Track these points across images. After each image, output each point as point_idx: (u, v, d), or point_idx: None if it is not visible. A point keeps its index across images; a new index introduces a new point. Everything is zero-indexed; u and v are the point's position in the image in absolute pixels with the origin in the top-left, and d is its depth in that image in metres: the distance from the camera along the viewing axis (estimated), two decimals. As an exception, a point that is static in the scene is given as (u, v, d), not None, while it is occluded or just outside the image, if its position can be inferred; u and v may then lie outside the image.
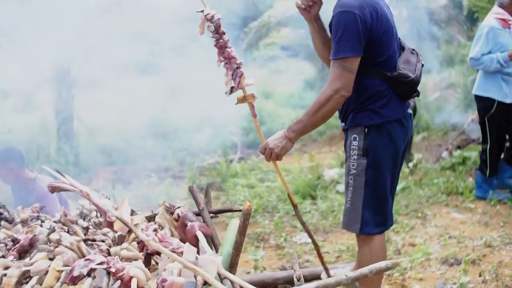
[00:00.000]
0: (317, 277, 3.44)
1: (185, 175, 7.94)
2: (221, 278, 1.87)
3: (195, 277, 1.81)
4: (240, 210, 2.30)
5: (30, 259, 1.94)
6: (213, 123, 9.99)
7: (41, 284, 1.82)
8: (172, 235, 2.34)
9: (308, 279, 3.39)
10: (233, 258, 2.14)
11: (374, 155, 2.77)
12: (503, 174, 5.43)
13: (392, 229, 4.80)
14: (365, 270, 1.88)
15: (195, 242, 2.20)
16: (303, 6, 2.89)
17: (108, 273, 1.81)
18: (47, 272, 1.84)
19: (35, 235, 2.08)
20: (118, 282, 1.79)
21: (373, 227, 2.84)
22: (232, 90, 2.85)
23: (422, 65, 2.88)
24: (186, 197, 6.16)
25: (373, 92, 2.75)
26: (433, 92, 11.36)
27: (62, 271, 1.85)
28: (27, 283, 1.84)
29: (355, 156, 2.79)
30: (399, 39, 2.90)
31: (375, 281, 2.91)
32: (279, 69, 17.70)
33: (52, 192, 2.08)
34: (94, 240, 2.14)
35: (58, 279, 1.82)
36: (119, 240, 2.21)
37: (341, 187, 6.06)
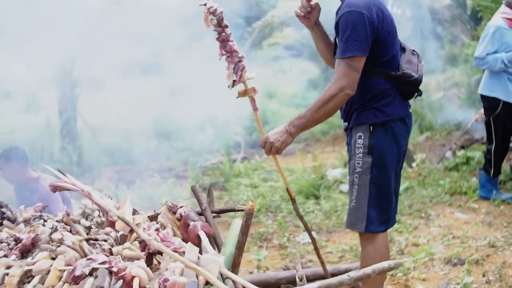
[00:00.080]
0: (320, 277, 3.43)
1: (188, 175, 7.95)
2: (223, 278, 1.87)
3: (197, 277, 1.81)
4: (243, 210, 2.30)
5: (32, 259, 1.94)
6: (216, 122, 10.00)
7: (43, 284, 1.82)
8: (175, 235, 2.34)
9: (311, 279, 3.39)
10: (236, 258, 2.14)
11: (379, 153, 2.78)
12: None
13: (396, 229, 4.79)
14: (368, 270, 1.87)
15: (198, 242, 2.20)
16: (302, 14, 2.96)
17: (110, 272, 1.81)
18: (49, 271, 1.84)
19: (37, 235, 2.08)
20: (120, 282, 1.79)
21: (378, 225, 2.85)
22: (234, 83, 2.85)
23: (423, 65, 2.92)
24: (189, 197, 6.15)
25: (378, 91, 2.77)
26: (436, 92, 11.34)
27: (64, 270, 1.85)
28: (29, 282, 1.84)
29: (360, 154, 2.80)
30: (399, 40, 2.93)
31: (377, 281, 2.91)
32: (282, 69, 17.70)
33: (54, 192, 2.09)
34: (96, 240, 2.14)
35: (60, 278, 1.82)
36: (121, 240, 2.21)
37: (345, 187, 6.05)
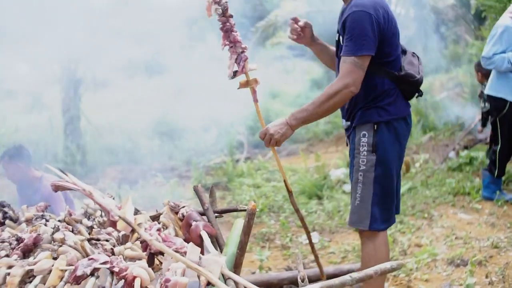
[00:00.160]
0: (322, 277, 3.42)
1: (191, 174, 7.95)
2: (225, 279, 1.87)
3: (199, 277, 1.80)
4: (245, 210, 2.30)
5: (34, 258, 1.94)
6: (219, 123, 10.00)
7: (44, 284, 1.82)
8: (177, 235, 2.34)
9: (313, 279, 3.39)
10: (238, 258, 2.13)
11: (383, 151, 2.82)
12: None
13: (398, 230, 4.78)
14: (370, 271, 1.86)
15: (200, 242, 2.20)
16: (295, 37, 3.06)
17: (112, 272, 1.81)
18: (50, 271, 1.84)
19: (39, 234, 2.08)
20: (122, 282, 1.79)
21: (381, 223, 2.88)
22: (235, 74, 2.86)
23: (423, 67, 3.00)
24: (192, 197, 6.15)
25: (382, 91, 2.82)
26: (440, 92, 11.32)
27: (65, 270, 1.84)
28: (30, 282, 1.84)
29: (365, 153, 2.84)
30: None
31: (378, 280, 2.92)
32: (286, 68, 17.69)
33: (56, 191, 2.08)
34: (98, 240, 2.14)
35: (62, 278, 1.82)
36: (123, 240, 2.21)
37: (348, 187, 6.03)
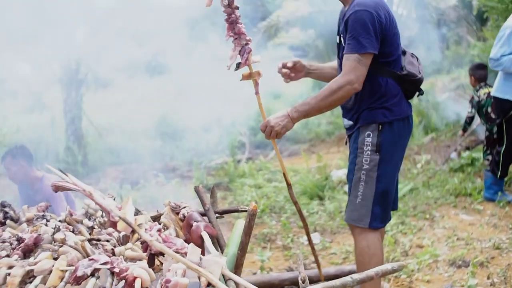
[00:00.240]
0: (323, 278, 3.41)
1: (193, 175, 7.94)
2: (226, 279, 1.86)
3: (199, 278, 1.80)
4: (246, 211, 2.29)
5: (35, 259, 1.94)
6: (221, 123, 9.99)
7: (45, 284, 1.82)
8: (177, 236, 2.33)
9: (314, 280, 3.39)
10: (239, 259, 2.13)
11: (386, 151, 2.85)
12: None
13: (400, 231, 4.77)
14: (371, 272, 1.86)
15: (200, 243, 2.19)
16: (289, 80, 3.16)
17: (112, 273, 1.81)
18: (51, 271, 1.84)
19: (39, 235, 2.08)
20: (122, 282, 1.78)
21: (380, 221, 2.92)
22: (238, 66, 2.86)
23: (422, 67, 3.04)
24: (194, 197, 6.13)
25: (386, 91, 2.85)
26: (442, 93, 11.29)
27: (66, 270, 1.84)
28: (31, 282, 1.83)
29: (368, 152, 2.86)
30: None
31: (375, 280, 2.93)
32: (288, 69, 17.63)
33: (56, 191, 2.08)
34: (98, 240, 2.13)
35: (62, 278, 1.82)
36: (124, 240, 2.20)
37: (349, 187, 6.02)
